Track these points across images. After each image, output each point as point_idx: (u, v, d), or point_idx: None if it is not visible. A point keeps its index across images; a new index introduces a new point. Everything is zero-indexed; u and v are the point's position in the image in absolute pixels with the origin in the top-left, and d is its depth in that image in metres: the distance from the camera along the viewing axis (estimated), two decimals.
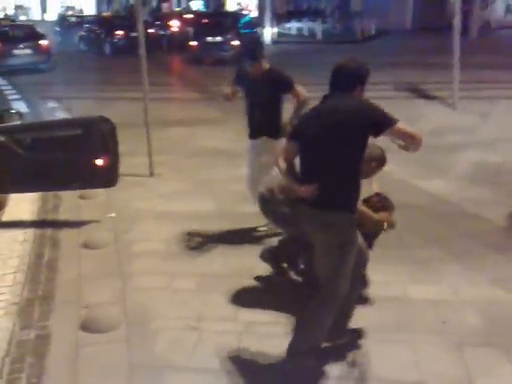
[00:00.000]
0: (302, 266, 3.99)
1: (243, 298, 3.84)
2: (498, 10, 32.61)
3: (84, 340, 3.39)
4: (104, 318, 3.55)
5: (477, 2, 24.46)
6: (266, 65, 4.62)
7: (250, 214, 4.75)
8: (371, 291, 3.79)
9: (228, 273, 4.11)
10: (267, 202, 3.69)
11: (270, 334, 3.41)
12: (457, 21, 9.78)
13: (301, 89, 4.59)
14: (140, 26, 6.46)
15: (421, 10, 30.67)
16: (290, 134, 3.04)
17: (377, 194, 3.56)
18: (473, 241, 4.64)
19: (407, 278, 4.03)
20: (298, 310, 3.53)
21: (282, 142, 3.52)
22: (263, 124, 4.60)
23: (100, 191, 5.68)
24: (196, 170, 6.87)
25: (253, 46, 4.85)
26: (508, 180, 6.10)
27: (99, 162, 5.02)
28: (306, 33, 26.77)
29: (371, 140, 2.80)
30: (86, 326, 3.49)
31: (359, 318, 3.38)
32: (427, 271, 4.12)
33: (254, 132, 4.70)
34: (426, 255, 4.35)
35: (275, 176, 3.63)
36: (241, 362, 3.15)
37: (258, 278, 4.06)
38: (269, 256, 3.98)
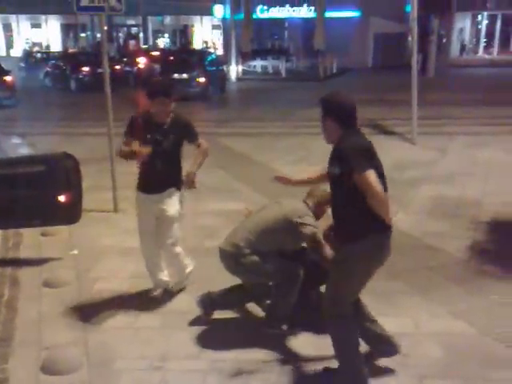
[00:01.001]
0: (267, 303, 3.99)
1: (207, 335, 3.81)
2: (454, 49, 34.12)
3: (44, 383, 3.29)
4: (65, 360, 3.47)
5: (434, 42, 25.52)
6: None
7: (216, 250, 4.74)
8: None
9: (192, 310, 4.08)
10: (236, 256, 3.68)
11: (235, 371, 3.38)
12: (414, 60, 10.21)
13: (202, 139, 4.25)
14: (105, 63, 6.50)
15: (381, 49, 31.84)
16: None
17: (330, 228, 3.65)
18: (433, 273, 4.75)
19: (369, 310, 4.07)
20: (261, 348, 3.54)
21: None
22: (168, 175, 4.08)
23: (62, 228, 5.60)
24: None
25: (167, 82, 4.52)
26: (466, 213, 6.29)
27: (62, 198, 4.98)
28: (270, 70, 27.35)
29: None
30: (47, 368, 3.40)
31: (321, 348, 3.40)
32: (389, 303, 4.18)
33: (156, 185, 4.08)
34: (387, 288, 4.41)
35: (239, 228, 3.74)
36: None
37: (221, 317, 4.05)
38: (206, 302, 3.97)
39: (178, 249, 4.32)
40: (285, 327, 3.80)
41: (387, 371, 3.35)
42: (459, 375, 3.31)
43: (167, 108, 3.94)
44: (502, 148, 9.64)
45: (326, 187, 3.42)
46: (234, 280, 3.92)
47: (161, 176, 4.05)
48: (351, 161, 2.88)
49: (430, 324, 3.91)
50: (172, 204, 4.12)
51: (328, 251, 3.48)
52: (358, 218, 3.00)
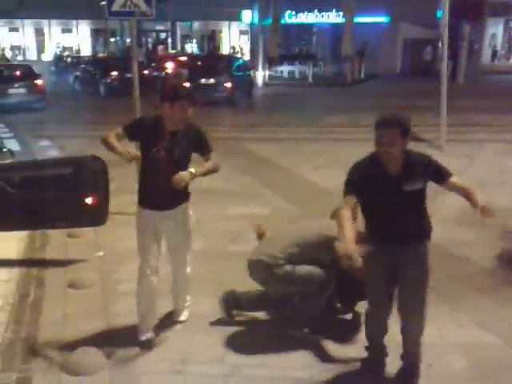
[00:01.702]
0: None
1: (229, 339, 3.81)
2: (486, 55, 33.54)
3: (66, 383, 3.32)
4: (87, 361, 3.50)
5: (465, 48, 25.14)
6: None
7: (239, 254, 4.75)
8: (358, 333, 3.78)
9: (214, 313, 4.08)
10: (271, 267, 3.68)
11: (257, 376, 3.37)
12: (444, 66, 10.07)
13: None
14: (135, 67, 6.57)
15: (410, 55, 31.49)
16: None
17: None
18: (460, 283, 4.66)
19: (394, 320, 4.01)
20: (284, 353, 3.52)
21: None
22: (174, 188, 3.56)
23: (88, 230, 5.66)
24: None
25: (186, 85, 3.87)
26: (494, 222, 6.14)
27: (89, 200, 5.04)
28: (297, 76, 27.31)
29: None
30: (69, 369, 3.43)
31: (342, 353, 3.36)
32: None
33: (167, 199, 3.63)
34: None
35: (276, 240, 3.78)
36: None
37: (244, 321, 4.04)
38: (229, 301, 4.00)
39: (189, 269, 3.99)
40: (307, 330, 3.78)
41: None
42: None
43: (186, 113, 3.52)
44: None
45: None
46: (256, 285, 3.91)
47: (173, 189, 3.51)
48: (440, 167, 3.13)
49: (455, 334, 3.84)
50: (188, 221, 3.79)
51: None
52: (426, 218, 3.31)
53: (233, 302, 4.01)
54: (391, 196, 3.07)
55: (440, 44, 10.27)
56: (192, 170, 3.53)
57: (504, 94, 19.71)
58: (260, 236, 4.11)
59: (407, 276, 3.17)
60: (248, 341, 3.80)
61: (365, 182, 3.08)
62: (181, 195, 3.67)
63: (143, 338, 3.72)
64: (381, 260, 3.18)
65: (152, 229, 3.68)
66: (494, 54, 35.11)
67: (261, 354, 3.61)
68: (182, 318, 4.03)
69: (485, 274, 4.86)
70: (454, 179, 3.14)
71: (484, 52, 33.71)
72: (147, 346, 3.68)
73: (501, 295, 4.41)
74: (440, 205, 6.80)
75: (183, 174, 3.46)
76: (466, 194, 3.13)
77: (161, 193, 3.59)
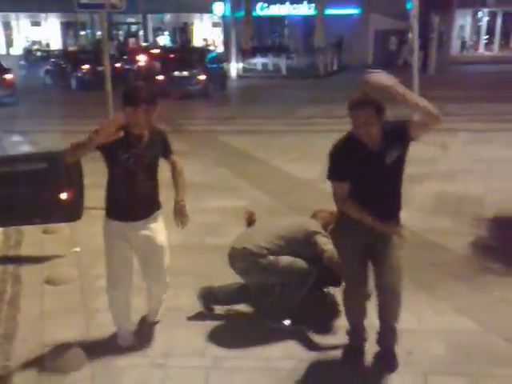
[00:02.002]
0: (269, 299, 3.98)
1: (210, 332, 3.80)
2: (455, 46, 34.05)
3: (46, 381, 3.29)
4: (67, 357, 3.45)
5: (434, 39, 25.46)
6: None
7: (217, 247, 4.74)
8: (336, 320, 3.82)
9: (194, 307, 4.07)
10: (256, 256, 3.69)
11: (239, 368, 3.38)
12: (415, 57, 10.18)
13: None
14: (106, 61, 6.50)
15: (381, 46, 31.76)
16: None
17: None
18: (437, 270, 4.73)
19: (372, 307, 4.06)
20: (264, 345, 3.54)
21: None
22: (151, 195, 3.50)
23: (64, 225, 5.59)
24: (162, 202, 6.82)
25: (148, 86, 3.49)
26: (468, 210, 6.27)
27: (63, 195, 4.97)
28: (270, 68, 27.30)
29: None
30: (49, 366, 3.39)
31: (323, 349, 3.39)
32: None
33: (140, 208, 3.43)
34: None
35: (260, 230, 3.83)
36: None
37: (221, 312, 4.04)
38: (207, 296, 4.01)
39: (168, 279, 3.76)
40: (287, 322, 3.80)
41: None
42: (463, 372, 3.30)
43: (151, 117, 3.27)
44: (503, 144, 9.62)
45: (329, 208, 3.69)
46: (235, 277, 3.91)
47: (145, 197, 3.41)
48: (400, 121, 3.12)
49: (434, 321, 3.90)
50: (161, 230, 3.57)
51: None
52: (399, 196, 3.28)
53: (211, 297, 4.01)
54: (376, 171, 3.09)
55: (410, 35, 10.37)
56: (180, 198, 3.62)
57: (473, 84, 20.08)
58: (249, 224, 4.12)
59: (385, 254, 3.20)
60: (229, 333, 3.81)
61: (348, 164, 3.10)
62: (152, 204, 3.51)
63: (124, 344, 3.63)
64: (359, 237, 3.21)
65: (123, 241, 3.44)
66: (463, 45, 35.68)
67: (242, 346, 3.62)
68: (158, 317, 3.95)
69: (461, 261, 4.95)
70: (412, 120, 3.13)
71: (453, 43, 34.21)
72: (129, 349, 3.59)
73: (477, 282, 4.50)
74: (416, 193, 6.91)
75: (181, 210, 3.59)
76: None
77: (132, 202, 3.38)
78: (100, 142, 3.09)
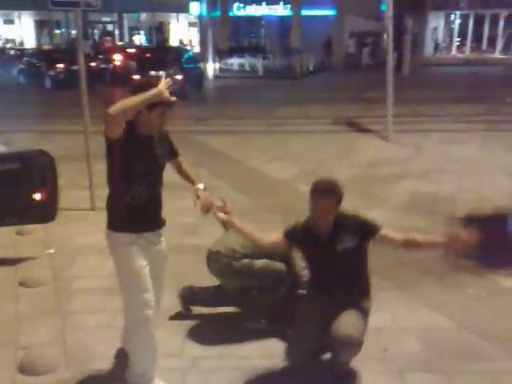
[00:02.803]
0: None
1: (188, 332, 3.80)
2: (428, 48, 34.59)
3: (22, 383, 3.24)
4: (43, 360, 3.42)
5: (408, 41, 25.82)
6: None
7: (196, 247, 4.73)
8: None
9: (172, 307, 4.06)
10: (231, 259, 3.70)
11: (217, 367, 3.38)
12: (390, 58, 10.33)
13: None
14: (81, 59, 6.41)
15: (357, 48, 32.09)
16: None
17: None
18: (411, 268, 4.81)
19: None
20: (242, 344, 3.55)
21: None
22: (161, 202, 3.17)
23: (38, 227, 5.51)
24: None
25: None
26: (441, 209, 6.38)
27: (37, 196, 4.91)
28: (247, 68, 27.34)
29: None
30: (24, 369, 3.34)
31: None
32: None
33: (157, 217, 3.15)
34: None
35: (233, 234, 3.76)
36: None
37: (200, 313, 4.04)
38: (187, 296, 4.02)
39: None
40: (263, 321, 3.82)
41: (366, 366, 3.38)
42: (438, 368, 3.36)
43: (164, 119, 2.94)
44: (475, 144, 9.81)
45: None
46: (213, 278, 3.91)
47: (159, 204, 3.13)
48: (369, 224, 3.19)
49: (408, 318, 3.96)
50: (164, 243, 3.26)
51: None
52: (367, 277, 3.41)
53: (190, 297, 4.01)
54: (327, 256, 3.20)
55: (385, 36, 10.52)
56: (200, 186, 3.28)
57: (446, 85, 20.42)
58: (225, 227, 4.09)
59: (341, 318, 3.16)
60: (207, 333, 3.80)
61: (302, 243, 3.32)
62: (161, 211, 3.17)
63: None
64: (317, 306, 3.31)
65: (144, 257, 3.00)
66: (436, 47, 36.27)
67: (220, 346, 3.62)
68: None
69: (434, 259, 5.02)
70: (384, 232, 3.19)
71: (426, 45, 34.75)
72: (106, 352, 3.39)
73: (450, 279, 4.58)
74: (390, 193, 7.01)
75: (207, 199, 3.21)
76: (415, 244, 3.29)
77: (152, 210, 3.06)
78: (154, 99, 2.76)
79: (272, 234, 3.39)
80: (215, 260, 3.76)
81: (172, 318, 3.98)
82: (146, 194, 2.96)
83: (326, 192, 3.11)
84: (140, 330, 2.98)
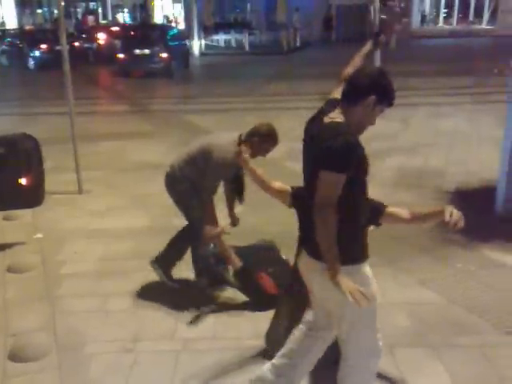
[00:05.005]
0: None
1: (180, 314, 3.79)
2: (415, 20, 34.33)
3: (12, 370, 3.22)
4: (33, 346, 3.41)
5: (396, 12, 25.60)
6: None
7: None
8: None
9: (164, 289, 4.05)
10: (171, 177, 3.91)
11: (208, 349, 3.38)
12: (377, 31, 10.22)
13: None
14: (63, 39, 6.29)
15: (344, 23, 31.77)
16: None
17: None
18: (399, 243, 4.82)
19: None
20: (234, 324, 3.55)
21: None
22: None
23: (25, 211, 5.45)
24: (127, 185, 6.74)
25: None
26: (430, 183, 6.40)
27: (23, 180, 4.85)
28: (233, 44, 27.03)
29: None
30: (15, 355, 3.33)
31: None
32: None
33: None
34: None
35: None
36: (180, 382, 3.11)
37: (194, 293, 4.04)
38: (157, 266, 4.06)
39: None
40: (204, 281, 3.96)
41: None
42: (427, 343, 3.39)
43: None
44: (463, 118, 9.81)
45: None
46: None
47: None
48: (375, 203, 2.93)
49: (397, 293, 3.98)
50: None
51: None
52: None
53: (164, 262, 4.06)
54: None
55: (371, 9, 10.40)
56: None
57: (434, 58, 20.33)
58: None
59: None
60: (199, 315, 3.80)
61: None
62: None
63: None
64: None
65: None
66: (423, 19, 35.98)
67: (212, 327, 3.62)
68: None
69: (423, 233, 5.04)
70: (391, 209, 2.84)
71: (413, 17, 34.45)
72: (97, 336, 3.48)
73: (440, 254, 4.61)
74: (378, 168, 7.00)
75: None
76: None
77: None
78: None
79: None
80: (165, 177, 3.95)
81: (162, 299, 3.97)
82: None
83: None
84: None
